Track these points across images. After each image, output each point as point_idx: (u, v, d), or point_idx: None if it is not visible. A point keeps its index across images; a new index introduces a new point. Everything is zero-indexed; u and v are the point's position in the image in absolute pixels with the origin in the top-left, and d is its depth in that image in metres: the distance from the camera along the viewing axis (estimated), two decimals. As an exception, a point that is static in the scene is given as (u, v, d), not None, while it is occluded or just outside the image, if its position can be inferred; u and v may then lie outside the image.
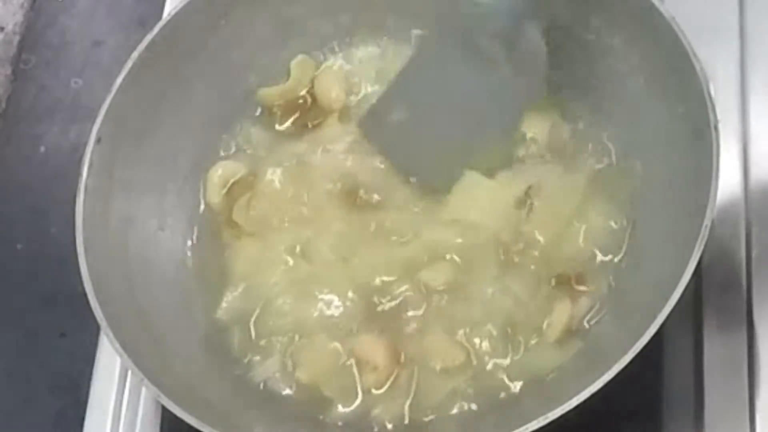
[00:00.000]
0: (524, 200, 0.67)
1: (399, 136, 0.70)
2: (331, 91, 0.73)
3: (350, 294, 0.67)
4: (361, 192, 0.70)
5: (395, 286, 0.67)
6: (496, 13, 0.65)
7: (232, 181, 0.72)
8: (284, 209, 0.70)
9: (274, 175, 0.71)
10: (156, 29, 0.68)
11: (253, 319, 0.68)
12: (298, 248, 0.69)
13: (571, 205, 0.66)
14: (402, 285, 0.67)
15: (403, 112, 0.70)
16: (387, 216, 0.69)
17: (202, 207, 0.72)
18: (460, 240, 0.67)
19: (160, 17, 0.71)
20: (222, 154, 0.74)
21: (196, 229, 0.72)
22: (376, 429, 0.64)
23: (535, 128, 0.70)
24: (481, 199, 0.68)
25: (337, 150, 0.71)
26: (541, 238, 0.66)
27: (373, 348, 0.65)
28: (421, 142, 0.70)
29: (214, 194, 0.72)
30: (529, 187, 0.67)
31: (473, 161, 0.68)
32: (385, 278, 0.67)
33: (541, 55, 0.66)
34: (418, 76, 0.70)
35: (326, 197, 0.70)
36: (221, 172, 0.72)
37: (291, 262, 0.69)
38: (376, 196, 0.70)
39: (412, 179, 0.69)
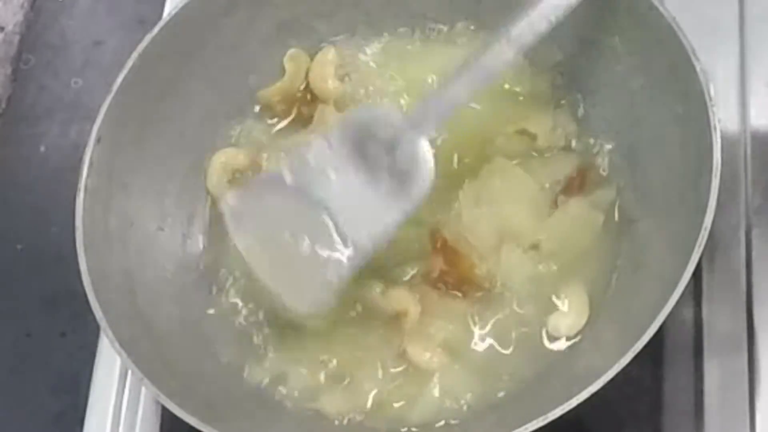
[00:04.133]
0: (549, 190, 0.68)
1: (261, 233, 0.65)
2: (327, 80, 0.73)
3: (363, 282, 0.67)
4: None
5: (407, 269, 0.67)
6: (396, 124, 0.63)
7: (234, 167, 0.72)
8: None
9: (275, 164, 0.71)
10: (156, 29, 0.68)
11: (253, 319, 0.68)
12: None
13: (585, 242, 0.66)
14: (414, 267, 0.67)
15: (269, 208, 0.65)
16: None
17: (202, 206, 0.72)
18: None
19: (160, 17, 0.71)
20: (222, 154, 0.74)
21: (196, 228, 0.72)
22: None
23: (536, 127, 0.70)
24: (509, 185, 0.68)
25: None
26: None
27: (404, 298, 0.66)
28: (282, 245, 0.64)
29: (216, 180, 0.72)
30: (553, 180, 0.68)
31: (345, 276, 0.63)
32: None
33: (427, 169, 0.62)
34: (297, 169, 0.64)
35: None
36: (224, 159, 0.72)
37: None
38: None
39: (270, 289, 0.64)
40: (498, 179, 0.68)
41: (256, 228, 0.65)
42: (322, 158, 0.63)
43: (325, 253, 0.63)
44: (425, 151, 0.62)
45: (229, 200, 0.66)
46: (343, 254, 0.62)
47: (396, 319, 0.66)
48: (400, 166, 0.62)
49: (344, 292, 0.64)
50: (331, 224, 0.63)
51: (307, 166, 0.64)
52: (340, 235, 0.63)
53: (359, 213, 0.63)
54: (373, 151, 0.63)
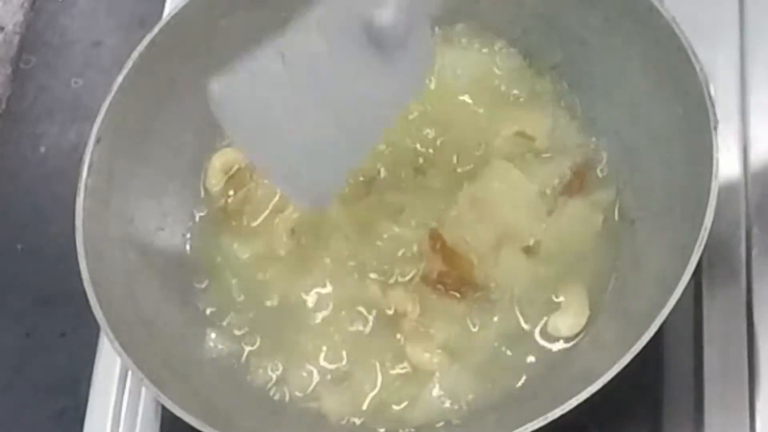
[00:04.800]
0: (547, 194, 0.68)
1: (263, 132, 0.59)
2: None
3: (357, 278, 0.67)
4: (361, 178, 0.70)
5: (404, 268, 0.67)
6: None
7: (234, 168, 0.72)
8: (285, 198, 0.70)
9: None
10: (156, 29, 0.68)
11: (253, 318, 0.68)
12: (302, 239, 0.69)
13: (584, 242, 0.66)
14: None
15: (263, 94, 0.58)
16: (395, 197, 0.69)
17: (202, 206, 0.72)
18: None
19: (160, 17, 0.71)
20: (222, 153, 0.74)
21: (196, 228, 0.72)
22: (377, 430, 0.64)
23: (535, 129, 0.70)
24: (508, 186, 0.68)
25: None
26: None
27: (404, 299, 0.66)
28: (281, 133, 0.58)
29: (215, 180, 0.72)
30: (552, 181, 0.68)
31: (352, 164, 0.61)
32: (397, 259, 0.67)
33: (430, 50, 0.59)
34: (287, 56, 0.58)
35: None
36: (223, 159, 0.72)
37: (292, 257, 0.69)
38: (380, 179, 0.70)
39: (271, 179, 0.61)
40: (496, 181, 0.68)
41: (250, 117, 0.58)
42: (315, 42, 0.58)
43: (326, 145, 0.58)
44: (425, 32, 0.58)
45: (215, 87, 0.58)
46: (345, 145, 0.58)
47: (395, 319, 0.66)
48: (395, 46, 0.57)
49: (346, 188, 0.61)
50: (330, 114, 0.58)
51: (299, 50, 0.58)
52: (339, 125, 0.58)
53: (360, 100, 0.58)
54: (368, 33, 0.57)
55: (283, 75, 0.57)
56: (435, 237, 0.67)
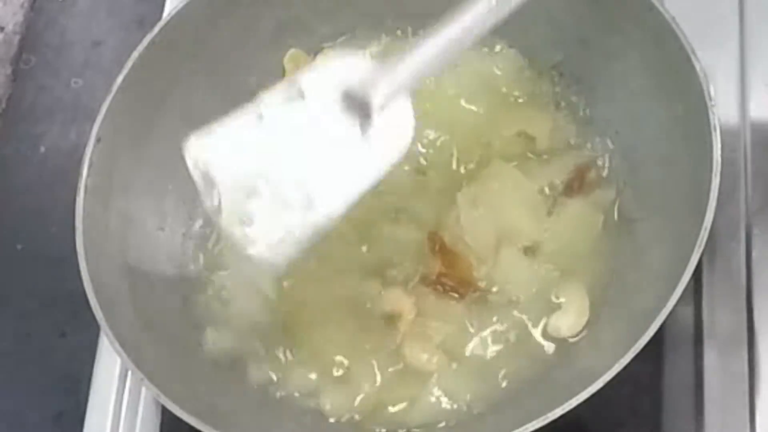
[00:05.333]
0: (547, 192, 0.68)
1: (232, 186, 0.59)
2: None
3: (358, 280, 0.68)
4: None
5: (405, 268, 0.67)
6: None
7: None
8: None
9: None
10: (156, 29, 0.68)
11: (253, 318, 0.68)
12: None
13: (584, 242, 0.66)
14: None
15: (238, 153, 0.60)
16: (394, 198, 0.69)
17: (202, 206, 0.72)
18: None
19: (160, 17, 0.71)
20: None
21: (196, 228, 0.72)
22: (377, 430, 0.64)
23: (536, 129, 0.70)
24: (508, 187, 0.68)
25: None
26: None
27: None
28: (252, 192, 0.59)
29: None
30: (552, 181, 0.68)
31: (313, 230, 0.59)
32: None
33: (409, 124, 0.59)
34: (266, 118, 0.60)
35: None
36: None
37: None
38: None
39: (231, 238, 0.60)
40: (496, 182, 0.68)
41: (223, 175, 0.59)
42: (294, 106, 0.59)
43: (293, 209, 0.58)
44: (405, 106, 0.58)
45: (190, 144, 0.59)
46: (314, 213, 0.58)
47: (394, 320, 0.66)
48: (377, 123, 0.58)
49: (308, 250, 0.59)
50: (301, 179, 0.58)
51: (277, 113, 0.59)
52: (309, 192, 0.58)
53: (333, 169, 0.58)
54: (348, 103, 0.58)
55: (260, 135, 0.59)
56: (434, 238, 0.67)
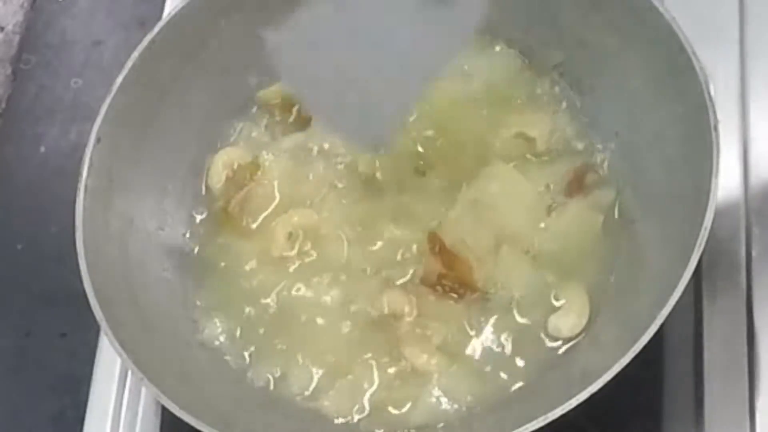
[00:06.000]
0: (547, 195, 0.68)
1: (326, 90, 0.60)
2: None
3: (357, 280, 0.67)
4: (365, 176, 0.70)
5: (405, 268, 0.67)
6: None
7: (236, 164, 0.72)
8: (285, 199, 0.70)
9: (274, 164, 0.71)
10: (156, 29, 0.68)
11: (253, 319, 0.68)
12: (300, 238, 0.69)
13: (584, 242, 0.66)
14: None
15: (318, 45, 0.59)
16: (394, 199, 0.69)
17: (202, 206, 0.72)
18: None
19: (160, 17, 0.71)
20: (222, 154, 0.74)
21: (196, 228, 0.72)
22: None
23: (536, 131, 0.70)
24: (508, 188, 0.68)
25: (337, 139, 0.71)
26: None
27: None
28: (351, 94, 0.60)
29: (217, 178, 0.72)
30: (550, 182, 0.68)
31: (409, 110, 0.62)
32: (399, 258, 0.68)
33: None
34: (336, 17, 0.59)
35: (330, 185, 0.70)
36: (226, 158, 0.72)
37: (292, 255, 0.69)
38: (380, 180, 0.70)
39: (350, 139, 0.63)
40: (495, 183, 0.68)
41: (303, 63, 0.59)
42: None
43: (379, 89, 0.59)
44: None
45: (269, 35, 0.58)
46: (398, 89, 0.59)
47: (393, 320, 0.66)
48: None
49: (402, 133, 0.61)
50: (382, 58, 0.58)
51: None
52: (391, 70, 0.58)
53: (411, 47, 0.58)
54: None
55: (336, 20, 0.58)
56: (434, 239, 0.67)
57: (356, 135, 0.62)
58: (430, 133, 0.71)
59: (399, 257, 0.68)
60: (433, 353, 0.65)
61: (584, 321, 0.64)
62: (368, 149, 0.62)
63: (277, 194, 0.71)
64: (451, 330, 0.66)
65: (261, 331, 0.68)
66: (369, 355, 0.66)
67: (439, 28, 0.58)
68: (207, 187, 0.73)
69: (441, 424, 0.63)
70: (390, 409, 0.64)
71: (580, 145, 0.69)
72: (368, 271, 0.68)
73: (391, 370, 0.65)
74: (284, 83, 0.62)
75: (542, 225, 0.67)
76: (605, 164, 0.68)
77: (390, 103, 0.60)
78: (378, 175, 0.70)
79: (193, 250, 0.71)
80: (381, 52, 0.58)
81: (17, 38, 0.91)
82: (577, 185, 0.68)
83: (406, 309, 0.66)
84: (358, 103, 0.60)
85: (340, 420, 0.65)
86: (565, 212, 0.67)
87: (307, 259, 0.69)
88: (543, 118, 0.70)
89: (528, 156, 0.69)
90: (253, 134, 0.74)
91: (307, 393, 0.66)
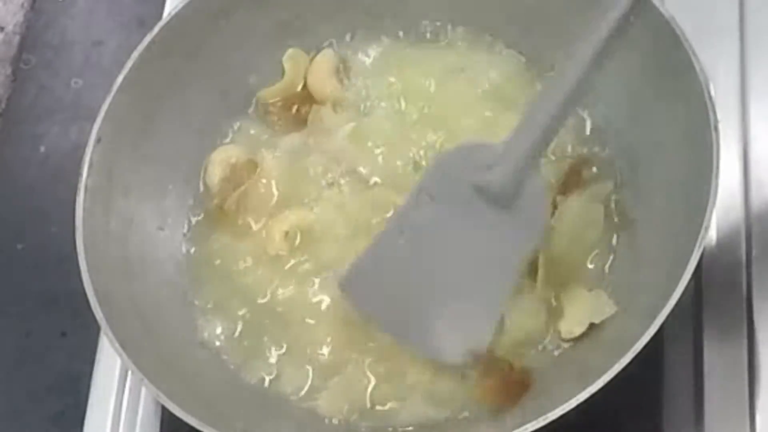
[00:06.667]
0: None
1: (389, 300, 0.64)
2: (325, 82, 0.73)
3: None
4: (363, 176, 0.70)
5: None
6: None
7: (233, 161, 0.72)
8: (282, 198, 0.70)
9: (272, 163, 0.71)
10: (156, 29, 0.68)
11: (251, 318, 0.68)
12: (296, 237, 0.69)
13: (590, 235, 0.66)
14: None
15: (391, 271, 0.64)
16: (393, 198, 0.69)
17: (201, 205, 0.72)
18: None
19: (160, 17, 0.71)
20: (222, 154, 0.74)
21: (195, 228, 0.72)
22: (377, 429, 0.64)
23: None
24: None
25: (336, 138, 0.71)
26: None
27: None
28: (415, 305, 0.64)
29: (215, 177, 0.72)
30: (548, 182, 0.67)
31: (492, 316, 0.63)
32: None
33: (541, 203, 0.62)
34: (406, 230, 0.63)
35: (327, 185, 0.70)
36: (223, 156, 0.72)
37: (290, 254, 0.69)
38: (378, 181, 0.70)
39: (415, 350, 0.64)
40: None
41: (381, 295, 0.64)
42: (429, 211, 0.62)
43: (460, 304, 0.62)
44: (535, 184, 0.60)
45: (343, 282, 0.65)
46: (479, 300, 0.62)
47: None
48: (505, 201, 0.60)
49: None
50: (457, 273, 0.62)
51: (416, 222, 0.63)
52: (467, 283, 0.62)
53: (480, 257, 0.62)
54: (477, 194, 0.61)
55: (406, 248, 0.63)
56: None
57: (446, 353, 0.63)
58: (430, 134, 0.71)
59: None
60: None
61: (585, 322, 0.64)
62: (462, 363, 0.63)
63: (274, 193, 0.71)
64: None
65: (257, 330, 0.68)
66: (365, 353, 0.65)
67: (505, 233, 0.61)
68: (205, 185, 0.73)
69: (437, 424, 0.63)
70: (387, 407, 0.64)
71: (579, 146, 0.69)
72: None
73: (387, 369, 0.65)
74: (368, 321, 0.65)
75: (546, 225, 0.67)
76: (603, 162, 0.68)
77: (477, 313, 0.62)
78: (376, 175, 0.70)
79: (192, 249, 0.71)
80: (453, 267, 0.62)
81: (17, 38, 0.91)
82: (574, 181, 0.68)
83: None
84: (442, 320, 0.63)
85: (335, 419, 0.65)
86: (566, 210, 0.67)
87: (303, 258, 0.69)
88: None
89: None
90: (252, 132, 0.74)
91: (303, 392, 0.66)
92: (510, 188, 0.60)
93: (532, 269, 0.64)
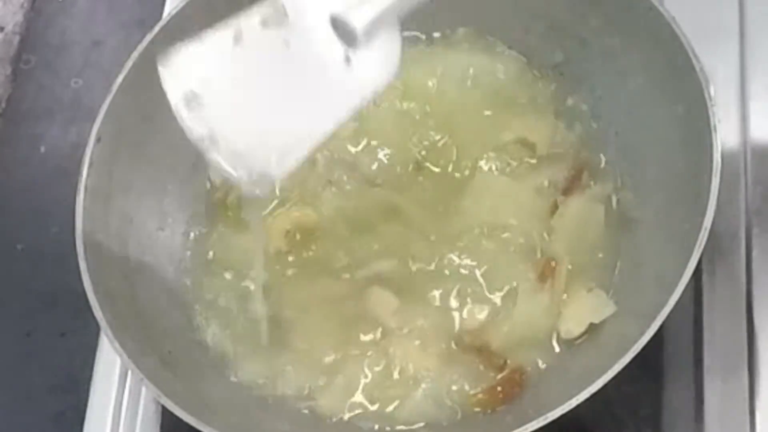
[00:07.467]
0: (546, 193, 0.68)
1: (207, 107, 0.57)
2: None
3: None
4: (364, 175, 0.70)
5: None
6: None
7: None
8: (284, 195, 0.71)
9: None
10: (156, 29, 0.68)
11: (251, 318, 0.68)
12: (297, 235, 0.69)
13: (592, 235, 0.66)
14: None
15: (214, 74, 0.57)
16: (393, 198, 0.69)
17: (202, 206, 0.72)
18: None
19: (160, 17, 0.71)
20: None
21: (196, 228, 0.72)
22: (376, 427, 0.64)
23: (536, 132, 0.70)
24: (501, 195, 0.68)
25: (337, 138, 0.71)
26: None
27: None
28: (237, 122, 0.57)
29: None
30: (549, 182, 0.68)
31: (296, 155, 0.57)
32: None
33: (394, 55, 0.57)
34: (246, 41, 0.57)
35: (329, 183, 0.70)
36: None
37: (290, 253, 0.69)
38: (380, 181, 0.70)
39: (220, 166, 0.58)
40: (488, 199, 0.68)
41: (196, 91, 0.57)
42: (275, 28, 0.56)
43: (272, 130, 0.56)
44: (393, 35, 0.56)
45: (164, 60, 0.57)
46: (292, 134, 0.56)
47: (382, 319, 0.66)
48: (363, 50, 0.55)
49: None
50: (280, 100, 0.56)
51: (256, 34, 0.56)
52: (288, 113, 0.56)
53: (313, 93, 0.56)
54: (333, 28, 0.56)
55: (236, 55, 0.56)
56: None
57: (240, 172, 0.57)
58: (431, 134, 0.71)
59: (390, 255, 0.68)
60: (428, 352, 0.65)
61: (586, 322, 0.64)
62: (249, 191, 0.57)
63: (276, 190, 0.71)
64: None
65: (257, 330, 0.68)
66: (360, 353, 0.66)
67: (345, 80, 0.56)
68: (210, 181, 0.73)
69: (436, 423, 0.63)
70: (386, 406, 0.64)
71: (579, 145, 0.69)
72: (359, 269, 0.68)
73: (382, 369, 0.65)
74: (174, 112, 0.58)
75: (545, 225, 0.67)
76: (603, 162, 0.68)
77: (283, 147, 0.56)
78: (377, 174, 0.70)
79: (192, 249, 0.71)
80: (279, 92, 0.56)
81: (17, 38, 0.91)
82: (575, 182, 0.68)
83: (395, 308, 0.66)
84: (248, 140, 0.56)
85: (335, 417, 0.65)
86: (567, 210, 0.67)
87: (303, 256, 0.69)
88: (544, 122, 0.70)
89: (527, 159, 0.69)
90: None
91: (303, 392, 0.66)
92: (367, 29, 0.55)
93: (545, 269, 0.64)
